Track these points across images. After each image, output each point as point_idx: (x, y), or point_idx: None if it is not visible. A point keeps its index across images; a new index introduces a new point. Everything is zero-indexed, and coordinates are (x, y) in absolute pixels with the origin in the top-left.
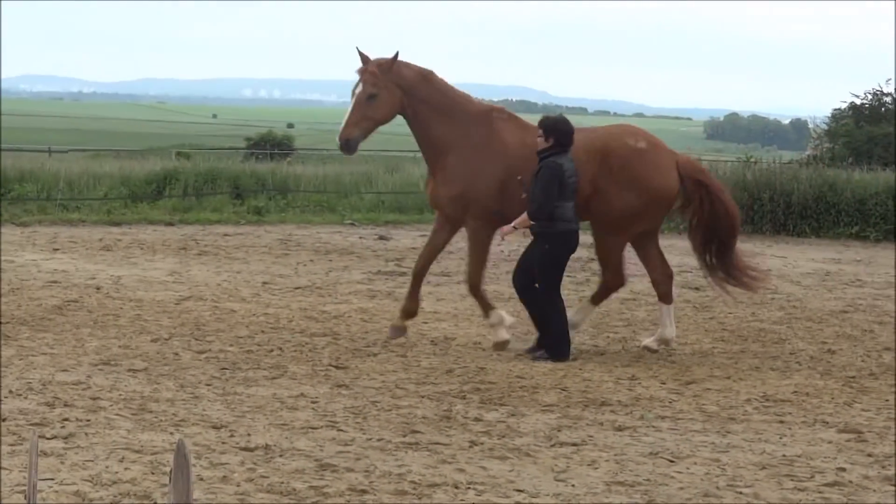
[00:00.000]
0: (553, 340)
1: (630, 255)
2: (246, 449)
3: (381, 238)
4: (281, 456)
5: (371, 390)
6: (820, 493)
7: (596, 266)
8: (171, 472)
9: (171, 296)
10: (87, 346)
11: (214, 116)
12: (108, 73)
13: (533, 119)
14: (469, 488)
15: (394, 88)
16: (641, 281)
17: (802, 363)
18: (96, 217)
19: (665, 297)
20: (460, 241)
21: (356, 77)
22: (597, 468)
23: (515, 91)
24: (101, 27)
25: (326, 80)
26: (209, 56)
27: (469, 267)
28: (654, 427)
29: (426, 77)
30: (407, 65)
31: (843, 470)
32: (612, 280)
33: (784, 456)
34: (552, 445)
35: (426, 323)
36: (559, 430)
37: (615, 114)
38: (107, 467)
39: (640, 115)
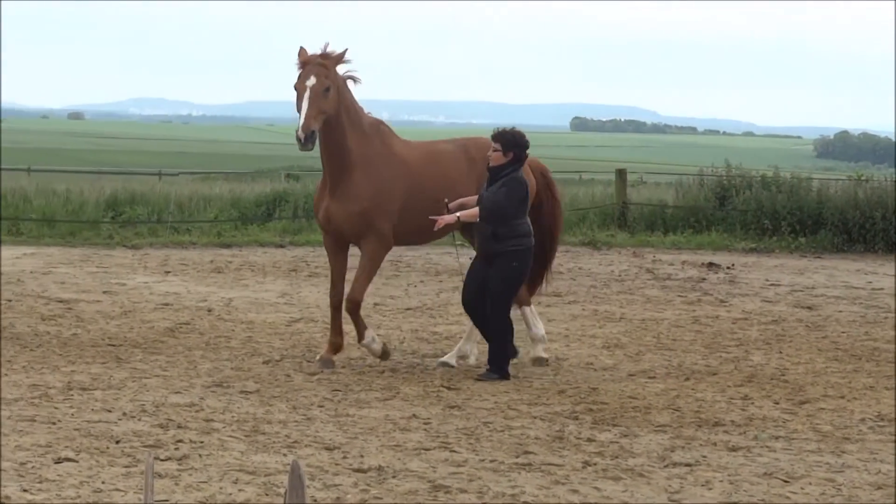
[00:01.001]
0: (499, 358)
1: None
2: (359, 470)
3: None
4: (394, 477)
5: (483, 411)
6: None
7: (703, 285)
8: (285, 493)
9: (283, 317)
10: (199, 368)
11: None
12: (216, 95)
13: (645, 139)
14: None
15: (338, 86)
16: (753, 300)
17: None
18: (207, 239)
19: (522, 300)
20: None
21: (299, 69)
22: (711, 489)
23: (624, 111)
24: (208, 51)
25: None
26: None
27: (355, 283)
28: (767, 447)
29: (345, 81)
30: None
31: None
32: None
33: None
34: (665, 466)
35: None
36: (672, 451)
37: (724, 133)
38: (221, 489)
39: (749, 133)
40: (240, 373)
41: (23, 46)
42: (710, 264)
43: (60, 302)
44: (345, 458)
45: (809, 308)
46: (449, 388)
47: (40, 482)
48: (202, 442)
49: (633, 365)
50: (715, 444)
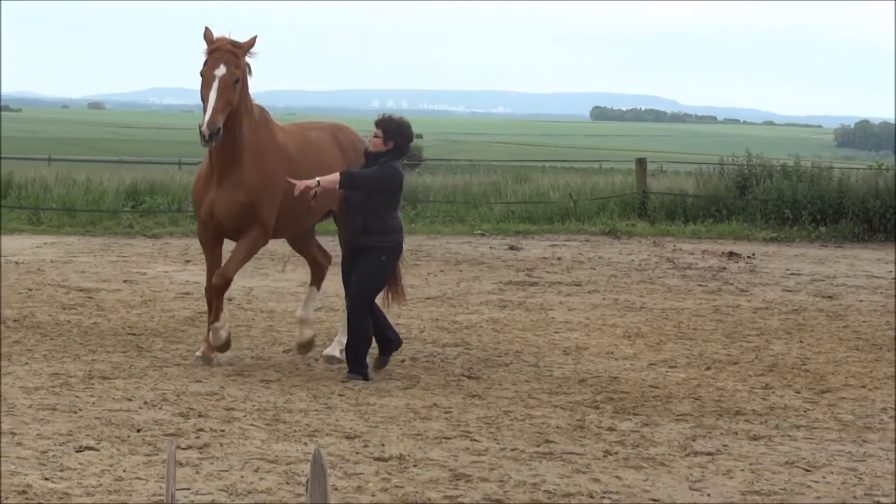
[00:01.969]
0: (359, 357)
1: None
2: (380, 459)
3: (512, 248)
4: (415, 466)
5: (504, 400)
6: None
7: (724, 275)
8: (307, 481)
9: None
10: (219, 356)
11: None
12: None
13: (665, 128)
14: (604, 498)
15: (244, 76)
16: (774, 290)
17: None
18: None
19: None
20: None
21: (205, 56)
22: (732, 478)
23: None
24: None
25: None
26: (336, 68)
27: (230, 261)
28: (789, 436)
29: (250, 70)
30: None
31: None
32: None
33: None
34: (687, 455)
35: (558, 333)
36: (693, 440)
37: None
38: (242, 477)
39: (769, 123)
40: (260, 362)
41: (45, 35)
42: (731, 254)
43: (81, 291)
44: (366, 446)
45: (830, 297)
46: (469, 378)
47: (62, 470)
48: (223, 431)
49: (653, 354)
50: (736, 433)
